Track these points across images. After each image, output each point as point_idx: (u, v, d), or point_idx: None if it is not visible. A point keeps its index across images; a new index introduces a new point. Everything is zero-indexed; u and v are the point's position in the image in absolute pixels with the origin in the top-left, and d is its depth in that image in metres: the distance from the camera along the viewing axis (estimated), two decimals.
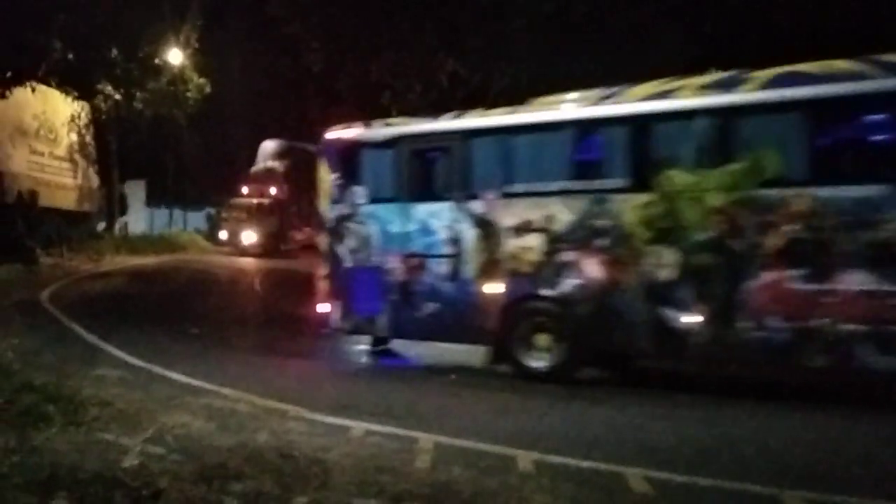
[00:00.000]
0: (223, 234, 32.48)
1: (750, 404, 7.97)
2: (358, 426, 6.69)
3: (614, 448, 6.33)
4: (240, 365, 9.95)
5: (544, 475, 5.52)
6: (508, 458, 5.90)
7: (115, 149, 26.78)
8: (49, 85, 23.08)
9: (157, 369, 8.92)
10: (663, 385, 9.14)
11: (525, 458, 5.88)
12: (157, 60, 24.11)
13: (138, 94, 24.26)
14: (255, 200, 31.59)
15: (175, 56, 24.88)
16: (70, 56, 21.51)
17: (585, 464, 5.81)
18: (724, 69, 8.90)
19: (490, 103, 20.46)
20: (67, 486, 4.67)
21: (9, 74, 20.32)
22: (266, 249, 30.04)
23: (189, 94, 25.60)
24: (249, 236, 30.69)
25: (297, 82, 29.05)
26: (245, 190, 32.11)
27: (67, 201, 25.16)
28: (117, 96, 24.34)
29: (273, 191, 31.46)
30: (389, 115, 24.23)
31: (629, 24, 16.47)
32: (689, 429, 7.19)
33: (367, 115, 26.44)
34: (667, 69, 17.19)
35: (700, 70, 9.15)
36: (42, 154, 24.18)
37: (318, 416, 6.97)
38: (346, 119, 26.81)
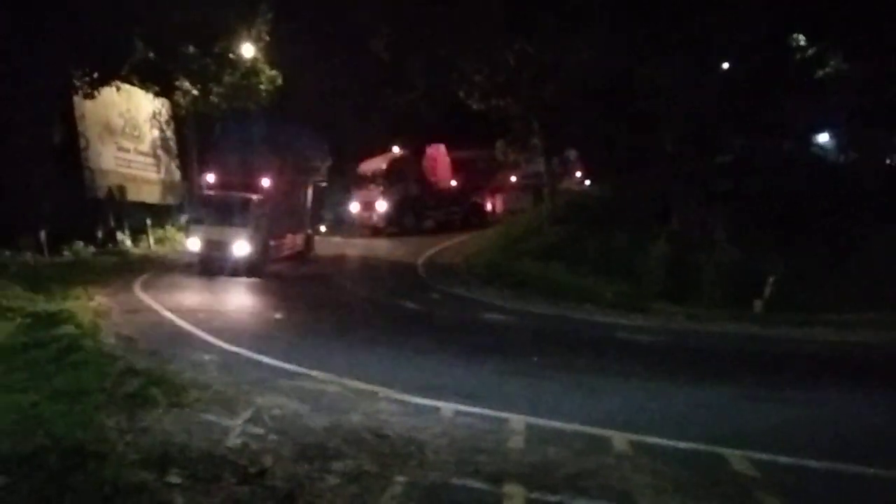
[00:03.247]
0: (354, 207, 30.18)
1: (840, 383, 7.62)
2: (447, 407, 6.72)
3: (711, 428, 6.15)
4: (326, 348, 10.15)
5: (642, 456, 5.41)
6: (603, 439, 5.81)
7: (194, 142, 27.67)
8: (132, 83, 24.03)
9: (248, 353, 9.19)
10: (740, 362, 8.85)
11: (620, 439, 5.77)
12: (230, 55, 24.73)
13: (214, 88, 24.96)
14: (383, 163, 29.45)
15: (247, 50, 25.45)
16: (151, 55, 22.31)
17: (683, 444, 5.66)
18: (810, 35, 8.38)
19: (561, 81, 20.25)
20: (179, 463, 4.88)
21: (96, 75, 21.24)
22: (405, 226, 28.38)
23: (262, 87, 26.16)
24: (381, 206, 28.50)
25: (366, 71, 29.26)
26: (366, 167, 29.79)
27: (152, 195, 26.21)
28: (195, 91, 25.09)
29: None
30: (457, 99, 24.38)
31: None
32: (786, 409, 6.93)
33: (435, 99, 26.69)
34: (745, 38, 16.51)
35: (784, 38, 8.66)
36: (128, 150, 25.23)
37: (407, 397, 7.03)
38: (412, 105, 27.05)
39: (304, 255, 21.12)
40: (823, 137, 22.70)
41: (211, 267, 17.18)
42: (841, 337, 11.64)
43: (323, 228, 26.76)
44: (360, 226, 30.02)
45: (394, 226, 28.93)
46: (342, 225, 30.90)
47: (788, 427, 6.30)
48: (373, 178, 29.38)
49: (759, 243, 14.69)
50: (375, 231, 29.03)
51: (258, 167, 18.71)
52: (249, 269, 17.25)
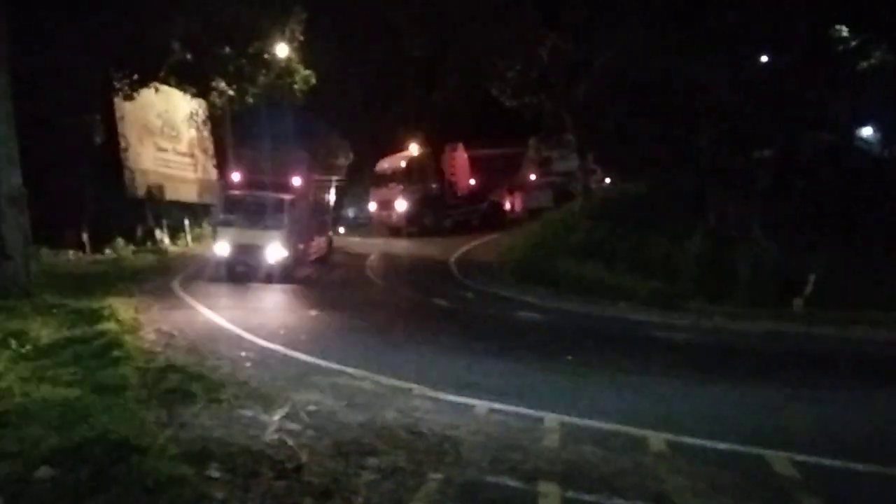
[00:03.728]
0: (372, 206, 29.26)
1: (885, 384, 7.42)
2: (481, 404, 6.71)
3: (751, 429, 6.03)
4: (361, 345, 10.22)
5: (679, 456, 5.33)
6: (639, 439, 5.75)
7: (230, 142, 28.08)
8: (169, 84, 24.49)
9: (284, 350, 9.31)
10: (780, 361, 8.67)
11: (657, 439, 5.70)
12: (265, 55, 25.04)
13: (250, 88, 25.31)
14: (402, 161, 28.47)
15: (282, 50, 25.74)
16: (188, 56, 22.71)
17: (722, 445, 5.57)
18: (853, 27, 8.14)
19: (595, 78, 20.07)
20: (218, 458, 4.96)
21: (135, 77, 21.72)
22: (424, 226, 27.62)
23: (296, 87, 26.44)
24: (401, 205, 27.59)
25: (399, 70, 29.31)
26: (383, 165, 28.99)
27: (190, 194, 26.69)
28: (230, 92, 25.48)
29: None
30: (490, 96, 24.31)
31: None
32: (828, 409, 6.77)
33: (467, 97, 26.66)
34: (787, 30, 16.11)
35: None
36: (166, 150, 25.75)
37: (441, 395, 7.04)
38: (445, 102, 26.98)
39: (326, 258, 20.32)
40: (867, 131, 22.09)
41: (241, 272, 16.13)
42: (886, 336, 11.32)
43: (341, 230, 26.42)
44: (378, 225, 29.47)
45: (413, 225, 28.20)
46: (359, 225, 30.74)
47: (832, 428, 6.15)
48: (392, 177, 28.64)
49: (800, 240, 14.35)
50: (394, 231, 28.35)
51: (287, 165, 18.27)
52: (281, 275, 16.01)
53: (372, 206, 29.81)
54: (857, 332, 11.59)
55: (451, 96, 25.33)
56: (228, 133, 27.75)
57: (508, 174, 32.37)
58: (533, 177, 31.70)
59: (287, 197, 16.83)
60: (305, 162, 19.18)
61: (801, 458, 5.25)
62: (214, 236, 17.04)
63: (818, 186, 16.57)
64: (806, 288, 13.26)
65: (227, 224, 16.56)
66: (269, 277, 15.87)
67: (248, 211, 16.50)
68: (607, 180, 30.02)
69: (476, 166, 32.27)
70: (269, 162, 18.69)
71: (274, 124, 21.23)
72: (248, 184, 17.69)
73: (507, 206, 32.29)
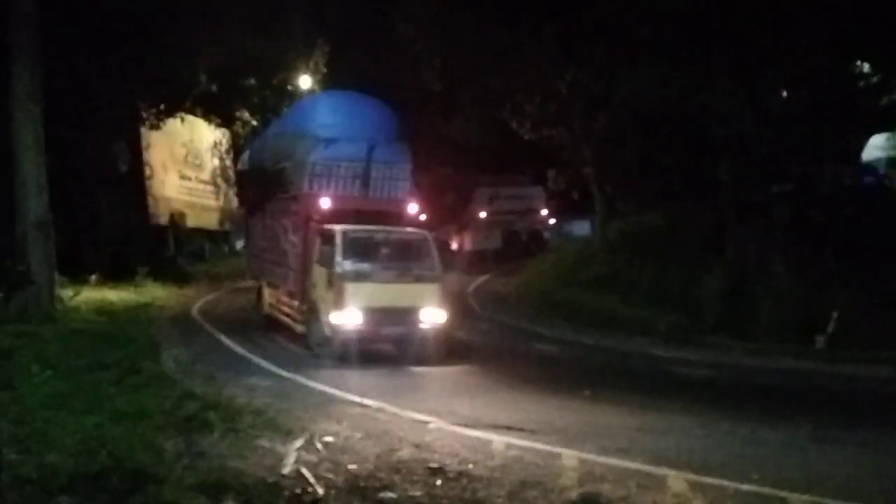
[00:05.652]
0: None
1: None
2: (499, 440, 6.65)
3: (773, 470, 5.90)
4: (377, 377, 10.20)
5: (700, 497, 5.24)
6: (659, 478, 5.65)
7: None
8: (195, 114, 25.04)
9: (301, 379, 9.32)
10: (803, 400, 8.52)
11: (677, 478, 5.60)
12: (289, 86, 25.58)
13: (273, 119, 25.79)
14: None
15: (305, 81, 26.26)
16: (213, 87, 23.25)
17: (744, 486, 5.45)
18: (872, 62, 8.14)
19: (614, 111, 20.18)
20: (235, 489, 4.95)
21: (162, 107, 22.25)
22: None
23: None
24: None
25: (418, 101, 29.64)
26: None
27: (211, 222, 27.09)
28: (254, 122, 25.99)
29: None
30: (509, 129, 24.45)
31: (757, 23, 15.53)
32: (852, 451, 6.62)
33: (486, 129, 26.79)
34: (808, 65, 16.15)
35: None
36: (190, 179, 26.22)
37: (458, 429, 7.00)
38: (465, 134, 26.87)
39: None
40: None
41: (385, 349, 11.36)
42: None
43: None
44: None
45: None
46: None
47: (856, 471, 6.01)
48: None
49: (821, 275, 14.19)
50: None
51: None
52: (439, 348, 11.15)
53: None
54: (881, 372, 11.37)
55: (469, 128, 25.50)
56: None
57: (460, 209, 27.22)
58: (483, 214, 27.03)
59: (428, 233, 11.99)
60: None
61: (825, 502, 5.13)
62: (335, 299, 10.63)
63: (839, 221, 16.41)
64: (829, 325, 13.07)
65: (355, 277, 10.74)
66: (423, 354, 11.02)
67: (381, 256, 11.17)
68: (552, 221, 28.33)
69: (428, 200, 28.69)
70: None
71: None
72: (345, 213, 11.58)
73: (455, 245, 26.60)
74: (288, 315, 12.58)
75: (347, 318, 10.53)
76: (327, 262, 10.95)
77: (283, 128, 14.20)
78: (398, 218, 11.90)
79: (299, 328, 11.90)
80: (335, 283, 10.68)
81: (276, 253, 13.23)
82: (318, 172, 11.96)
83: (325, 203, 11.61)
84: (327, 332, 10.80)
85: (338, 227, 11.10)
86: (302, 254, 11.82)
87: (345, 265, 10.70)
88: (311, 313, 11.33)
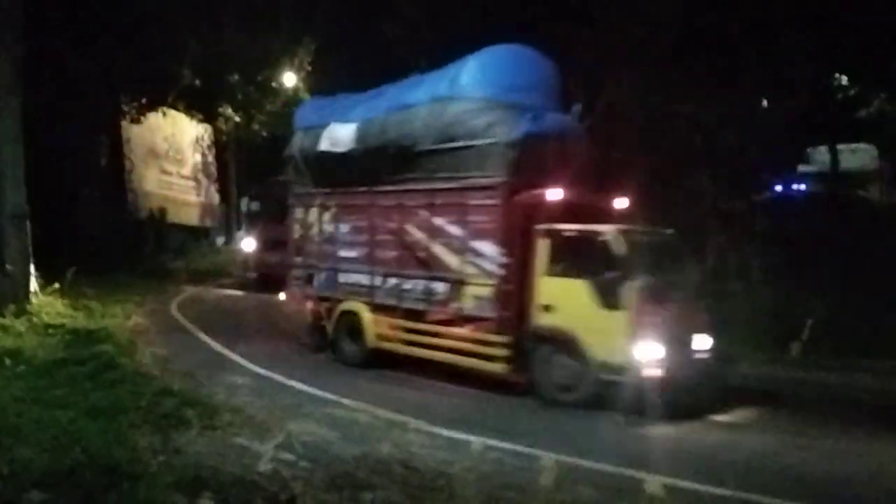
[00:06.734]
0: None
1: (882, 434, 7.38)
2: (477, 441, 6.67)
3: (748, 475, 5.98)
4: (356, 376, 10.16)
5: (676, 501, 5.29)
6: (635, 481, 5.71)
7: (234, 168, 28.30)
8: (177, 109, 24.83)
9: (280, 378, 9.26)
10: (776, 406, 8.65)
11: (653, 482, 5.66)
12: (273, 83, 25.41)
13: (256, 115, 25.61)
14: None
15: (289, 79, 26.10)
16: (196, 82, 23.05)
17: (720, 491, 5.52)
18: (854, 75, 8.26)
19: (596, 118, 20.29)
20: (211, 487, 4.92)
21: (144, 101, 22.03)
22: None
23: None
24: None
25: None
26: None
27: (191, 217, 26.88)
28: (237, 118, 25.80)
29: None
30: None
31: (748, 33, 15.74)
32: (826, 458, 6.71)
33: None
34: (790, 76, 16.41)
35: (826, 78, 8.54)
36: (171, 174, 26.02)
37: (437, 430, 7.01)
38: None
39: None
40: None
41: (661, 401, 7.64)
42: (883, 384, 11.27)
43: None
44: None
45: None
46: None
47: (829, 477, 6.10)
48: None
49: (798, 284, 14.38)
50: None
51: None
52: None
53: None
54: (853, 380, 11.54)
55: None
56: (234, 158, 28.00)
57: None
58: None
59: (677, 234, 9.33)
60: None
61: None
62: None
63: (817, 231, 16.66)
64: (803, 332, 13.24)
65: (657, 296, 7.87)
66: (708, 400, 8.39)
67: (664, 267, 8.40)
68: None
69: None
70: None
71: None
72: (567, 210, 8.63)
73: None
74: (453, 350, 9.08)
75: (651, 353, 7.61)
76: (596, 274, 7.98)
77: (415, 98, 10.19)
78: (610, 215, 8.89)
79: (495, 367, 8.69)
80: (630, 303, 7.69)
81: (411, 264, 9.77)
82: (526, 154, 8.76)
83: (555, 195, 8.54)
84: (605, 374, 7.88)
85: (606, 228, 8.22)
86: (517, 263, 8.63)
87: (640, 279, 7.76)
88: (538, 348, 8.46)
